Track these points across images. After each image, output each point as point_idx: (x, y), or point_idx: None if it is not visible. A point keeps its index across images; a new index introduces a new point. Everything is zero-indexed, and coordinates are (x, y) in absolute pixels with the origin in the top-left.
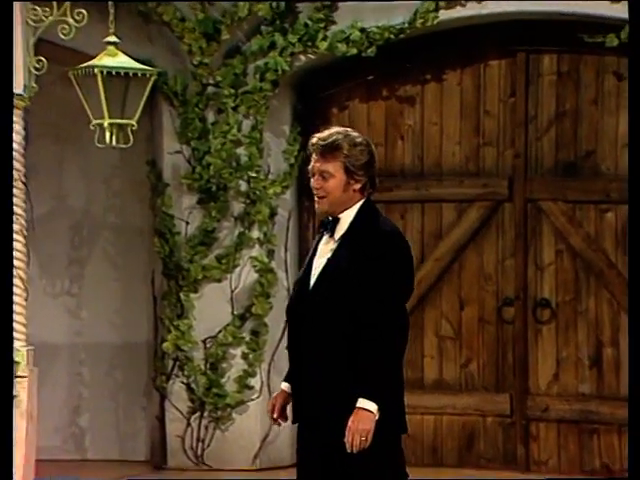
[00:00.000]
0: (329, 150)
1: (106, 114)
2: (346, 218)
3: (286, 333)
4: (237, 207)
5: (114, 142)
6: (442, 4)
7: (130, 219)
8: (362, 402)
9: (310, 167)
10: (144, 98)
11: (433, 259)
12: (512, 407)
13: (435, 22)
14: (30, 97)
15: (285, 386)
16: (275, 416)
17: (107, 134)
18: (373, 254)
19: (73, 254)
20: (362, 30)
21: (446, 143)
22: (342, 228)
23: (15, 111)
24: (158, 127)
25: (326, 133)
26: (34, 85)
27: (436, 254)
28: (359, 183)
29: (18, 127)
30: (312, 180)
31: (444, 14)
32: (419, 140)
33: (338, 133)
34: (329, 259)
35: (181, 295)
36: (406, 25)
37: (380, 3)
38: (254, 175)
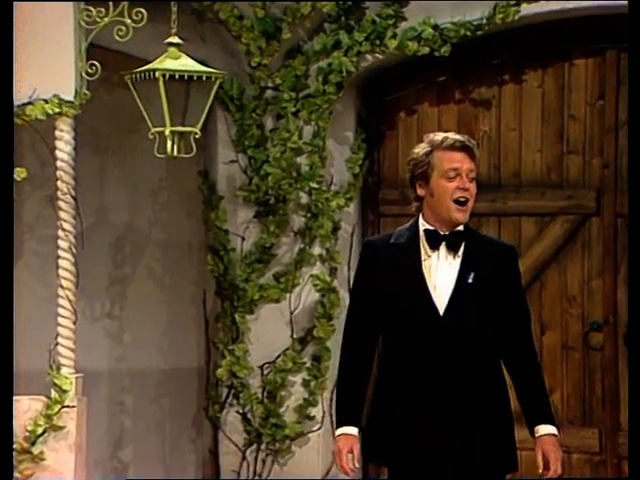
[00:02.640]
0: (471, 149)
1: (168, 121)
2: (463, 232)
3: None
4: (297, 221)
5: (175, 152)
6: None
7: (178, 235)
8: (549, 428)
9: (452, 166)
10: (209, 103)
11: None
12: (601, 444)
13: (516, 17)
14: (81, 104)
15: (354, 431)
16: (351, 467)
17: (168, 143)
18: (511, 272)
19: (115, 273)
20: (435, 27)
21: (526, 151)
22: (461, 243)
23: (64, 119)
24: (211, 134)
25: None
26: (86, 92)
27: None
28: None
29: (68, 137)
30: (452, 181)
31: (526, 8)
32: (495, 148)
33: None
34: (461, 279)
35: (236, 317)
36: (484, 21)
37: None
38: (316, 186)
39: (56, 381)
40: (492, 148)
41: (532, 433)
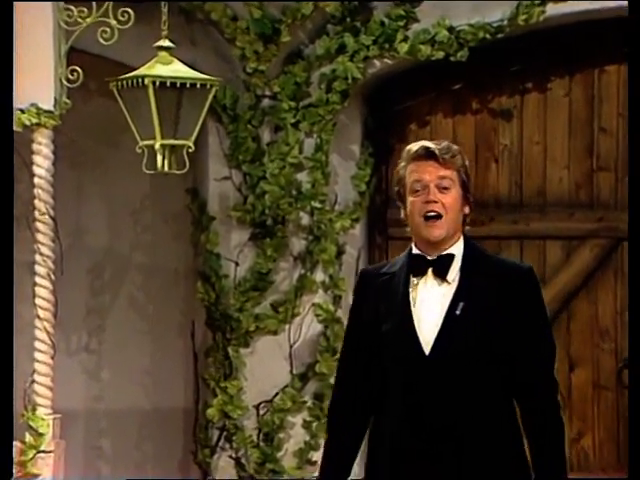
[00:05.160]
0: (446, 152)
1: (158, 134)
2: (458, 254)
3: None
4: (297, 244)
5: (166, 167)
6: None
7: (163, 259)
8: None
9: (415, 178)
10: (203, 114)
11: None
12: None
13: (541, 18)
14: (61, 114)
15: None
16: None
17: (158, 158)
18: (525, 298)
19: (92, 302)
20: (450, 29)
21: (551, 167)
22: (454, 268)
23: (43, 131)
24: (202, 148)
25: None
26: (67, 101)
27: None
28: (468, 206)
29: (46, 150)
30: (418, 195)
31: (552, 9)
32: (517, 163)
33: (442, 141)
34: (451, 310)
35: (229, 351)
36: (505, 22)
37: None
38: (318, 206)
39: (31, 423)
40: (513, 164)
41: None
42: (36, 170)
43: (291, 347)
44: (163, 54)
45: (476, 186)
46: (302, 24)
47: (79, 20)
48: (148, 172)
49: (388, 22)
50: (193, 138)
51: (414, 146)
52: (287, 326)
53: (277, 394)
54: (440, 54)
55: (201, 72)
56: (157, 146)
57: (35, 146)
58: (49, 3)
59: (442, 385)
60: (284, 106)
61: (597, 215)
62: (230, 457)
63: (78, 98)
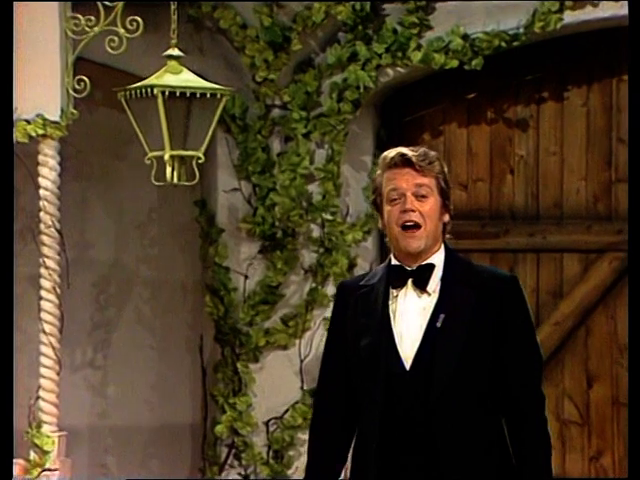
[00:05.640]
0: (423, 159)
1: (167, 145)
2: (438, 264)
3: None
4: (308, 257)
5: (176, 179)
6: (568, 3)
7: (170, 273)
8: None
9: (391, 187)
10: (214, 124)
11: (552, 323)
12: None
13: (558, 26)
14: (68, 125)
15: None
16: None
17: (168, 169)
18: (508, 309)
19: (98, 316)
20: (465, 37)
21: (568, 178)
22: (435, 278)
23: (49, 142)
24: (210, 159)
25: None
26: (74, 111)
27: (556, 317)
28: (448, 214)
29: (52, 162)
30: (395, 204)
31: (570, 16)
32: (533, 174)
33: (419, 147)
34: (431, 323)
35: (238, 366)
36: (521, 30)
37: (488, 3)
38: (329, 218)
39: (36, 441)
40: (530, 175)
41: None
42: (42, 182)
43: (302, 362)
44: (172, 63)
45: (491, 197)
46: (313, 32)
47: (86, 29)
48: (157, 184)
49: (401, 30)
50: (203, 149)
51: (390, 153)
52: (298, 341)
53: (287, 410)
54: (454, 62)
55: (210, 81)
56: (166, 157)
57: (41, 157)
58: (56, 11)
59: (424, 400)
60: (295, 116)
61: (616, 228)
62: (239, 475)
63: (83, 108)
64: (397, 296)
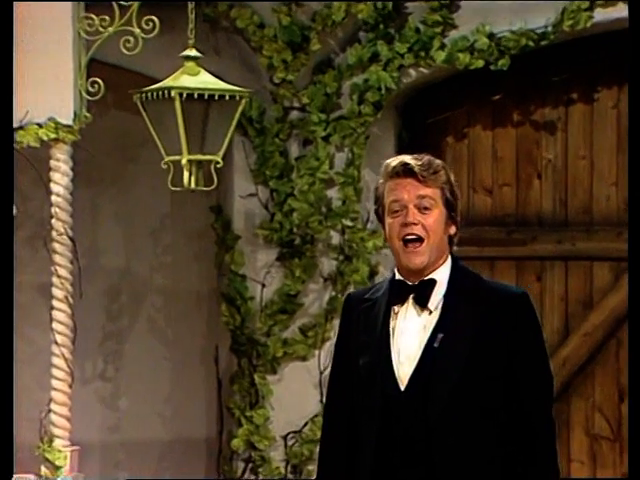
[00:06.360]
0: (427, 169)
1: (185, 149)
2: (442, 280)
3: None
4: (327, 265)
5: (193, 184)
6: (599, 2)
7: (185, 281)
8: None
9: (393, 198)
10: (232, 127)
11: (581, 334)
12: None
13: (588, 24)
14: (81, 129)
15: None
16: None
17: (185, 174)
18: (516, 327)
19: (109, 326)
20: (491, 36)
21: (598, 183)
22: (437, 295)
23: (61, 146)
24: (226, 163)
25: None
26: (87, 114)
27: (585, 327)
28: (454, 226)
29: (65, 167)
30: (397, 217)
31: (600, 14)
32: (562, 179)
33: (423, 155)
34: (430, 342)
35: (255, 377)
36: (549, 29)
37: (515, 1)
38: (349, 224)
39: (48, 455)
40: (557, 180)
41: None
42: (54, 188)
43: (321, 374)
44: (190, 64)
45: (517, 203)
46: (333, 31)
47: (100, 29)
48: (173, 189)
49: (424, 29)
50: (222, 153)
51: (392, 161)
52: (317, 352)
53: (306, 424)
54: (479, 63)
55: (226, 83)
56: (184, 162)
57: (53, 162)
58: (69, 11)
59: (419, 423)
60: (314, 118)
61: None
62: None
63: (95, 111)
64: (398, 313)
